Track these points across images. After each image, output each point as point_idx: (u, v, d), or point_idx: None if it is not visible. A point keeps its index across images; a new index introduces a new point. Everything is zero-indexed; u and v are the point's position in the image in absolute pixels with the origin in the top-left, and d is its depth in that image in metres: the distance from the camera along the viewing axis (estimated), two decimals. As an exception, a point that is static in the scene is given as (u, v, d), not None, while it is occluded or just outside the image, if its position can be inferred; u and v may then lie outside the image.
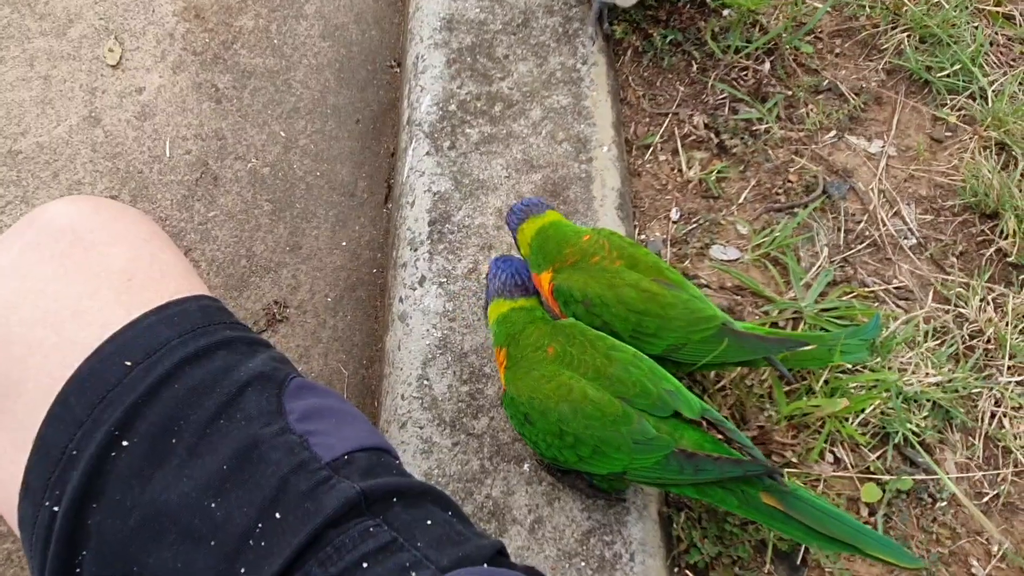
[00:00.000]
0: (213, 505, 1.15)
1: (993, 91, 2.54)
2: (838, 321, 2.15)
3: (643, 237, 2.35)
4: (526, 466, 1.88)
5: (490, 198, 2.29)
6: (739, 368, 2.03)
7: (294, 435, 1.24)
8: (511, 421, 1.76)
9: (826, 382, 2.06)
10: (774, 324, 2.19)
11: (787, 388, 2.06)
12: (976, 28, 2.65)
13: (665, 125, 2.55)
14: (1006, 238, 2.29)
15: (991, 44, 2.66)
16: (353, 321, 2.60)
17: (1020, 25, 2.70)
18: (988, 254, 2.29)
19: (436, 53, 2.60)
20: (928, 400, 2.04)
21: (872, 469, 1.96)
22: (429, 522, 1.24)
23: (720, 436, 1.66)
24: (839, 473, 1.95)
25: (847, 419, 1.99)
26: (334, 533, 1.15)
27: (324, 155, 2.92)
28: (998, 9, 2.71)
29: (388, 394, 2.10)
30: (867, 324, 1.96)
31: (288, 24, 3.24)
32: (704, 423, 1.67)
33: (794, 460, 1.92)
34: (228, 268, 2.65)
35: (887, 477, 1.95)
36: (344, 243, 2.74)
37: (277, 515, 1.15)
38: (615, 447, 1.62)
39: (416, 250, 2.24)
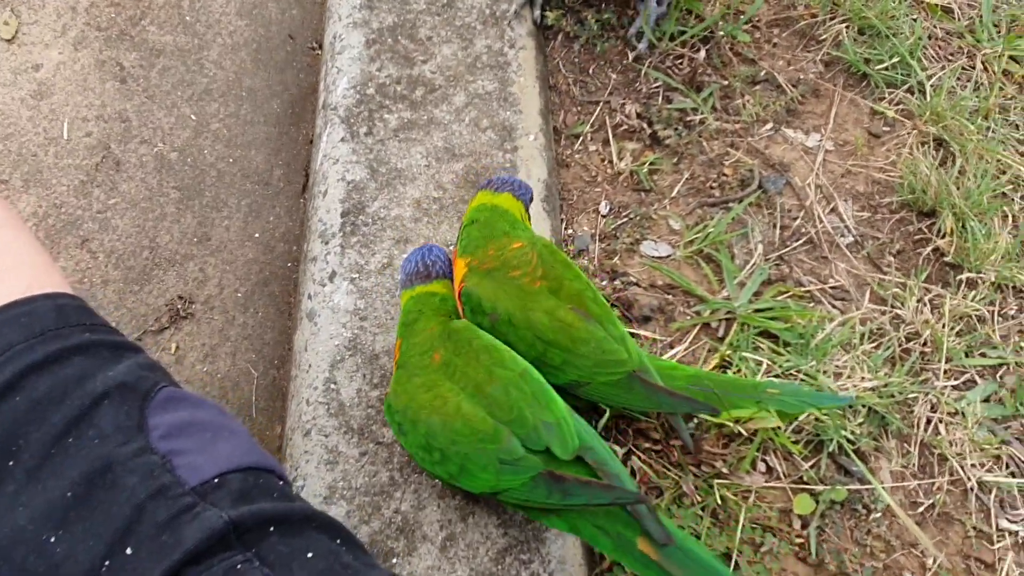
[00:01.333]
0: (53, 540, 0.99)
1: (931, 85, 2.47)
2: (772, 322, 2.05)
3: (571, 232, 2.22)
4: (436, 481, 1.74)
5: (408, 188, 2.14)
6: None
7: (155, 455, 1.08)
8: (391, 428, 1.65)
9: (759, 386, 1.96)
10: (706, 325, 2.08)
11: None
12: (915, 20, 2.58)
13: (596, 114, 2.42)
14: (943, 237, 2.22)
15: (930, 37, 2.59)
16: (264, 318, 2.43)
17: (958, 19, 2.64)
18: (925, 253, 2.22)
19: (355, 33, 2.43)
20: (864, 406, 1.96)
21: (806, 479, 1.87)
22: (311, 554, 1.09)
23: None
24: (771, 484, 1.85)
25: (780, 427, 1.89)
26: (194, 571, 0.99)
27: (238, 140, 2.73)
28: (936, 2, 2.64)
29: (294, 398, 1.94)
30: (825, 394, 1.88)
31: (202, 0, 3.04)
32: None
33: (724, 471, 1.82)
34: (128, 260, 2.45)
35: (821, 487, 1.85)
36: (257, 235, 2.56)
37: (128, 550, 0.99)
38: (481, 466, 1.50)
39: (327, 243, 2.08)
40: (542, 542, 1.67)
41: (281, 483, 1.19)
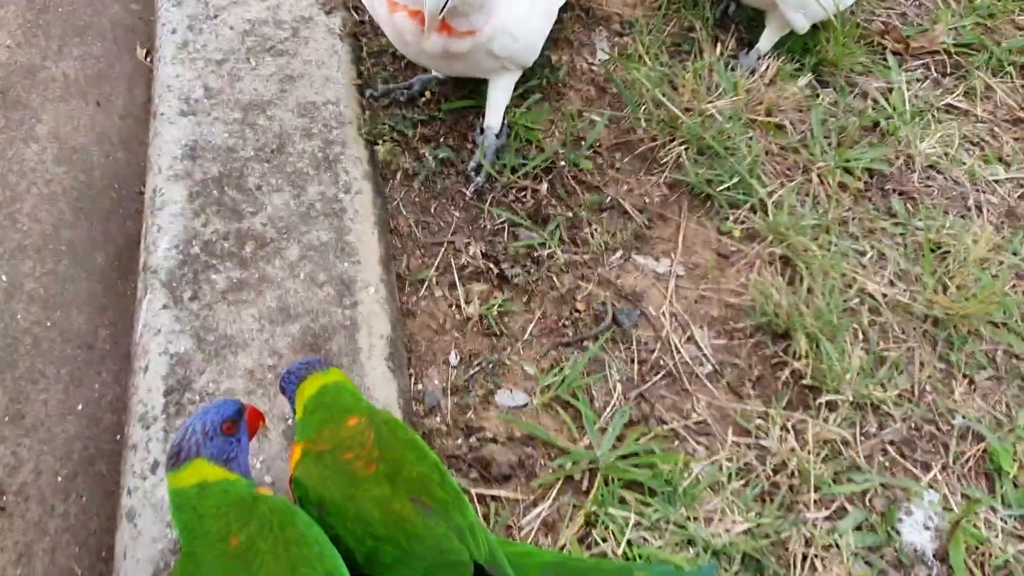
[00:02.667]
0: None
1: (773, 203, 2.49)
2: (637, 470, 1.95)
3: (421, 387, 2.09)
4: None
5: (240, 357, 1.97)
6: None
7: None
8: None
9: (629, 543, 1.85)
10: (569, 478, 1.97)
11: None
12: (751, 139, 2.61)
13: (440, 256, 2.32)
14: (799, 359, 2.19)
15: (767, 154, 2.63)
16: (89, 503, 2.17)
17: (791, 134, 2.70)
18: (784, 377, 2.19)
19: (177, 186, 2.27)
20: (738, 552, 1.87)
21: (684, 644, 1.75)
22: None
23: None
24: (649, 655, 1.73)
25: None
26: None
27: (56, 300, 2.49)
28: (769, 119, 2.69)
29: (114, 615, 1.70)
30: (696, 573, 1.79)
31: (15, 148, 2.81)
32: None
33: (597, 651, 1.68)
34: (-75, 452, 2.17)
35: (701, 652, 1.74)
36: (80, 406, 2.31)
37: None
38: None
39: (148, 428, 1.87)
40: None
41: None
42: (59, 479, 2.19)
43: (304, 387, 1.68)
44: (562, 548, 1.86)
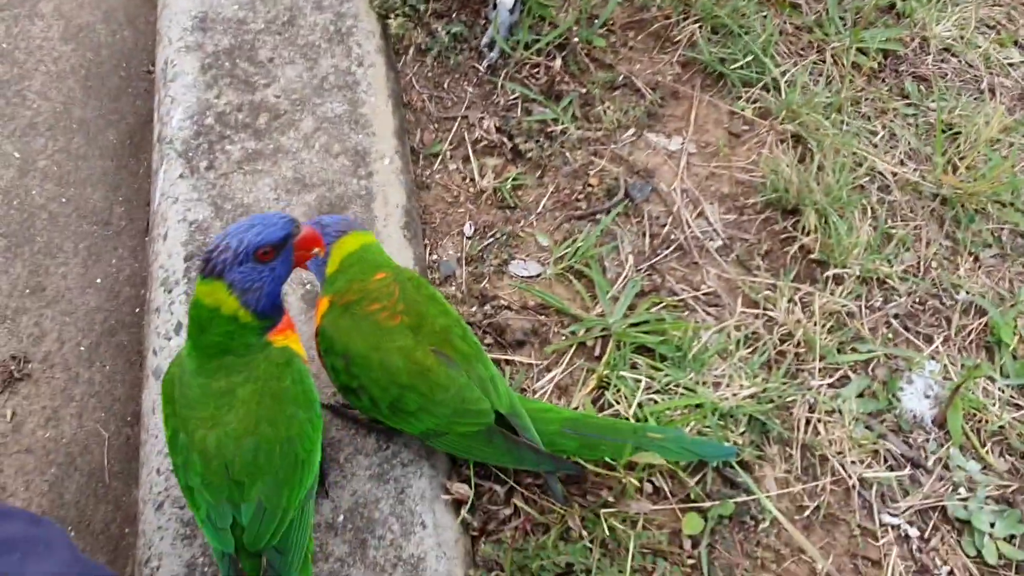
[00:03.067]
0: None
1: (786, 82, 2.48)
2: (648, 336, 2.00)
3: (436, 257, 2.12)
4: (309, 542, 1.62)
5: (257, 224, 1.99)
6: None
7: (-50, 588, 0.93)
8: None
9: (640, 404, 1.91)
10: (581, 344, 2.02)
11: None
12: (765, 18, 2.58)
13: (454, 130, 2.32)
14: (808, 234, 2.22)
15: (780, 33, 2.61)
16: (113, 371, 2.23)
17: (806, 13, 2.67)
18: (792, 251, 2.22)
19: (188, 58, 2.26)
20: (744, 414, 1.93)
21: (693, 496, 1.83)
22: None
23: None
24: (659, 506, 1.80)
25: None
26: None
27: (70, 178, 2.51)
28: (785, -3, 2.66)
29: (144, 466, 1.77)
30: (709, 443, 1.84)
31: (20, 25, 2.79)
32: None
33: (611, 499, 1.75)
34: (-50, 321, 2.21)
35: (708, 504, 1.82)
36: (99, 280, 2.35)
37: None
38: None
39: (170, 292, 1.91)
40: (425, 599, 1.57)
41: (111, 595, 1.05)
42: (82, 348, 2.24)
43: (344, 242, 1.68)
44: (575, 408, 1.92)
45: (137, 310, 2.32)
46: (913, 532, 1.88)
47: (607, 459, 1.78)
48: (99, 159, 2.56)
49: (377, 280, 1.64)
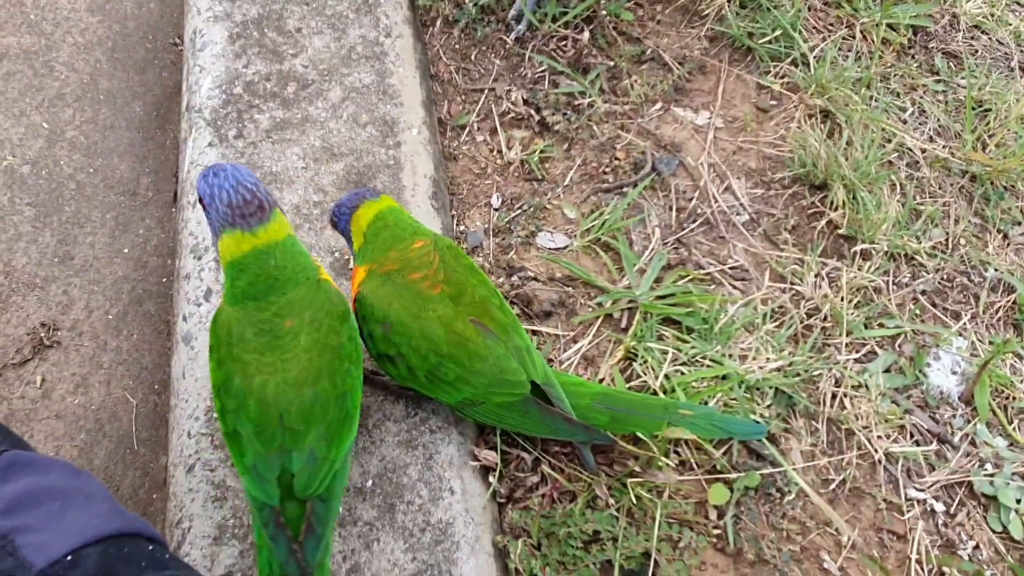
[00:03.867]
0: None
1: (815, 57, 2.46)
2: (675, 308, 2.00)
3: (463, 228, 2.12)
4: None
5: (285, 193, 2.00)
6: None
7: (-6, 535, 0.94)
8: None
9: (667, 377, 1.91)
10: (608, 316, 2.02)
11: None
12: (794, -8, 2.56)
13: (481, 102, 2.32)
14: (836, 209, 2.21)
15: (809, 9, 2.59)
16: (140, 340, 2.24)
17: (836, -12, 2.64)
18: (820, 227, 2.21)
19: (217, 27, 2.26)
20: (770, 387, 1.93)
21: (719, 467, 1.83)
22: (189, 628, 0.97)
23: None
24: (686, 477, 1.80)
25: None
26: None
27: (98, 148, 2.52)
28: (814, -28, 2.64)
29: (174, 431, 1.79)
30: (739, 420, 1.83)
31: (47, -3, 2.79)
32: None
33: (637, 468, 1.76)
34: (-19, 288, 2.23)
35: (734, 475, 1.82)
36: (126, 250, 2.37)
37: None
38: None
39: (200, 258, 1.92)
40: (454, 563, 1.58)
41: (151, 547, 1.06)
42: (110, 317, 2.26)
43: (359, 215, 1.70)
44: (602, 380, 1.92)
45: (164, 280, 2.34)
46: (939, 507, 1.88)
47: (637, 433, 1.79)
48: (126, 130, 2.57)
49: (417, 248, 1.64)
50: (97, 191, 2.44)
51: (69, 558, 0.94)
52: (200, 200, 1.46)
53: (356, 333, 1.57)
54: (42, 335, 2.19)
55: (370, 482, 1.66)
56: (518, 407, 1.63)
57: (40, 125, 2.51)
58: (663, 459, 1.77)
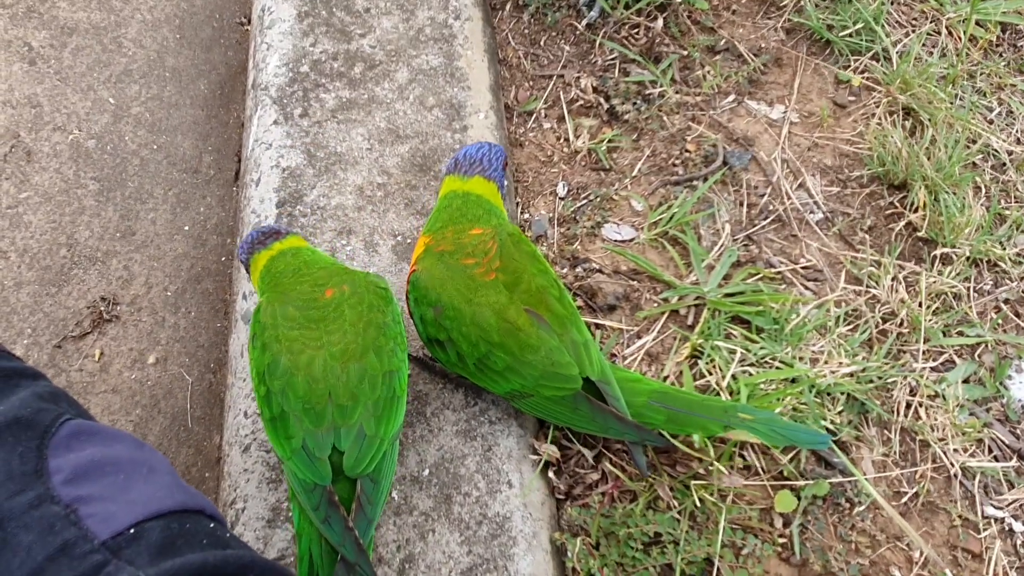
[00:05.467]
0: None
1: (897, 52, 2.36)
2: (744, 307, 1.93)
3: (528, 216, 2.07)
4: (394, 494, 1.59)
5: (349, 174, 1.97)
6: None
7: (58, 505, 0.91)
8: None
9: (734, 377, 1.84)
10: (674, 312, 1.95)
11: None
12: (878, -16, 2.46)
13: (549, 89, 2.27)
14: (916, 211, 2.12)
15: (892, 2, 2.49)
16: (198, 318, 2.23)
17: (922, -18, 2.54)
18: (898, 228, 2.12)
19: (285, 4, 2.24)
20: (842, 393, 1.85)
21: (785, 474, 1.76)
22: (248, 611, 0.93)
23: None
24: (750, 481, 1.73)
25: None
26: (105, 647, 0.83)
27: (162, 125, 2.52)
28: (899, -36, 2.53)
29: (230, 410, 1.77)
30: (803, 429, 1.72)
31: (118, -27, 2.81)
32: None
33: (701, 471, 1.69)
34: (44, 260, 2.24)
35: (802, 482, 1.74)
36: (187, 227, 2.36)
37: (23, 627, 0.83)
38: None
39: (262, 237, 1.89)
40: (510, 559, 1.53)
41: (212, 524, 1.03)
42: (168, 293, 2.25)
43: (447, 182, 1.71)
44: (666, 378, 1.86)
45: (223, 259, 2.33)
46: (1018, 527, 1.78)
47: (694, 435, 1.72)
48: (190, 108, 2.57)
49: (472, 235, 1.60)
50: (160, 168, 2.44)
51: (132, 531, 0.91)
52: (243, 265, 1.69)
53: (399, 318, 1.55)
54: (102, 309, 2.19)
55: (427, 471, 1.62)
56: (568, 402, 1.57)
57: (106, 100, 2.52)
58: (716, 463, 1.69)
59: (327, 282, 1.52)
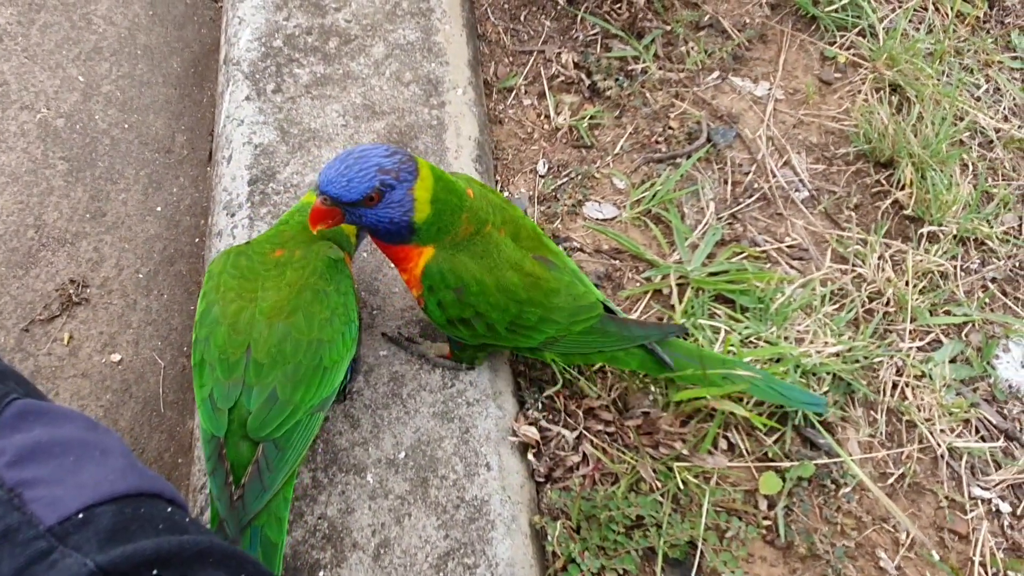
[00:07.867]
0: None
1: (884, 28, 2.32)
2: (728, 285, 1.89)
3: (507, 194, 2.02)
4: (369, 477, 1.54)
5: (324, 151, 1.91)
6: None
7: (1, 489, 0.86)
8: None
9: (717, 356, 1.80)
10: (657, 292, 1.91)
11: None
12: (864, -42, 2.42)
13: (530, 64, 2.21)
14: (902, 188, 2.08)
15: (879, -23, 2.45)
16: (170, 300, 2.17)
17: (908, -43, 2.50)
18: (884, 206, 2.08)
19: (258, -22, 2.17)
20: (828, 372, 1.82)
21: (770, 455, 1.72)
22: (206, 599, 0.89)
23: None
24: (735, 463, 1.70)
25: (741, 399, 1.73)
26: (48, 638, 0.78)
27: (133, 104, 2.45)
28: (886, -61, 2.49)
29: (201, 393, 1.71)
30: (805, 394, 1.71)
31: (87, -52, 2.73)
32: None
33: (684, 452, 1.66)
34: (11, 241, 2.17)
35: (787, 464, 1.71)
36: (159, 208, 2.30)
37: (-40, 617, 0.78)
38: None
39: (233, 215, 1.84)
40: (488, 543, 1.49)
41: (170, 509, 0.98)
42: (140, 276, 2.19)
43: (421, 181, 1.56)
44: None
45: (196, 240, 2.26)
46: (1005, 507, 1.76)
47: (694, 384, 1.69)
48: (162, 86, 2.50)
49: (473, 200, 1.50)
50: (131, 147, 2.38)
51: (80, 516, 0.86)
52: None
53: (348, 291, 1.50)
54: (71, 292, 2.13)
55: (403, 454, 1.58)
56: (597, 329, 1.57)
57: (76, 78, 2.45)
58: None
59: (284, 244, 1.49)
